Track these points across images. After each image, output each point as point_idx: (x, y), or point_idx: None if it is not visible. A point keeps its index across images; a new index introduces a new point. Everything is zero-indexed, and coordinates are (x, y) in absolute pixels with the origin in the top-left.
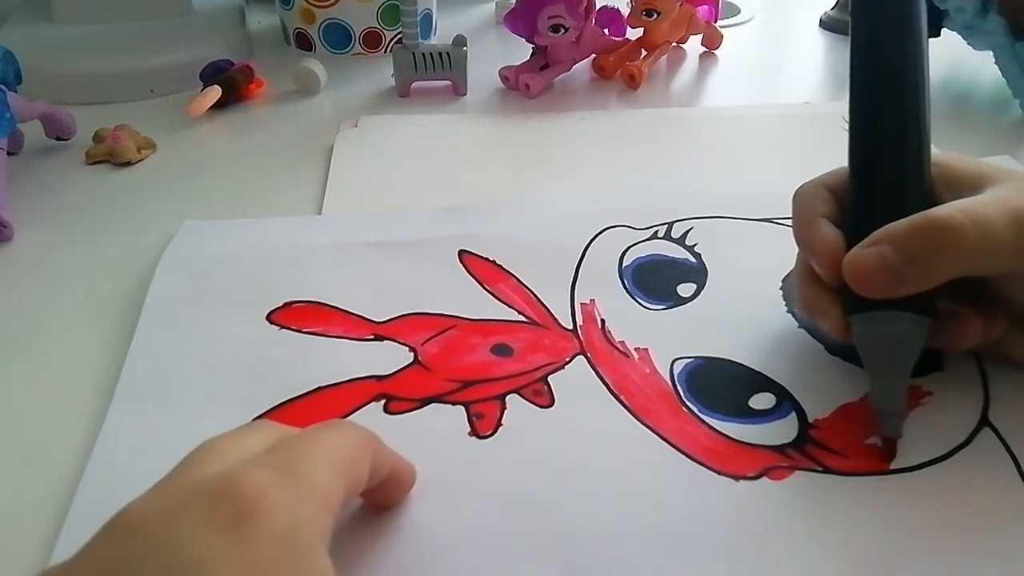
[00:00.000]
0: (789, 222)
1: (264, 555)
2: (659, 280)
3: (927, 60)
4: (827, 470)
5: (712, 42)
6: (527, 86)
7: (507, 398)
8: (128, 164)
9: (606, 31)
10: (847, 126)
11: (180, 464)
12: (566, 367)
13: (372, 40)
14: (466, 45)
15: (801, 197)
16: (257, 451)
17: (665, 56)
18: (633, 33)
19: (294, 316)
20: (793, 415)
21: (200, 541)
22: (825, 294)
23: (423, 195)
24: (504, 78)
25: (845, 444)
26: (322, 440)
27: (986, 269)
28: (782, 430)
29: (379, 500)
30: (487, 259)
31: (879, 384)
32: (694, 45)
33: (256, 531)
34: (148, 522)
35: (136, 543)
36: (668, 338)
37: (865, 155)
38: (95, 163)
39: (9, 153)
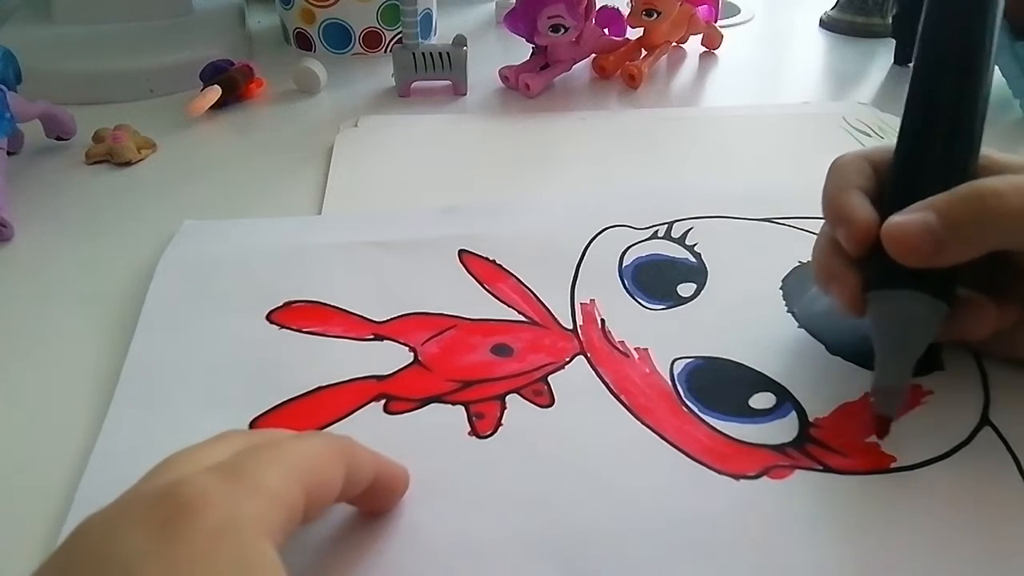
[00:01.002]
0: (789, 222)
1: (194, 547)
2: (659, 280)
3: (995, 45)
4: (827, 469)
5: (712, 42)
6: (527, 86)
7: (507, 398)
8: (128, 164)
9: (606, 31)
10: (847, 126)
11: (144, 476)
12: (566, 367)
13: (372, 40)
14: (466, 45)
15: (839, 167)
16: (219, 460)
17: (665, 56)
18: (633, 33)
19: (294, 316)
20: (793, 414)
21: (129, 541)
22: (846, 264)
23: (423, 195)
24: (504, 78)
25: (845, 443)
26: (283, 446)
27: None
28: (782, 429)
29: (369, 506)
30: (487, 259)
31: (886, 362)
32: (694, 45)
33: (187, 526)
34: (91, 530)
35: (78, 551)
36: (668, 338)
37: (916, 132)
38: (95, 163)
39: (9, 153)
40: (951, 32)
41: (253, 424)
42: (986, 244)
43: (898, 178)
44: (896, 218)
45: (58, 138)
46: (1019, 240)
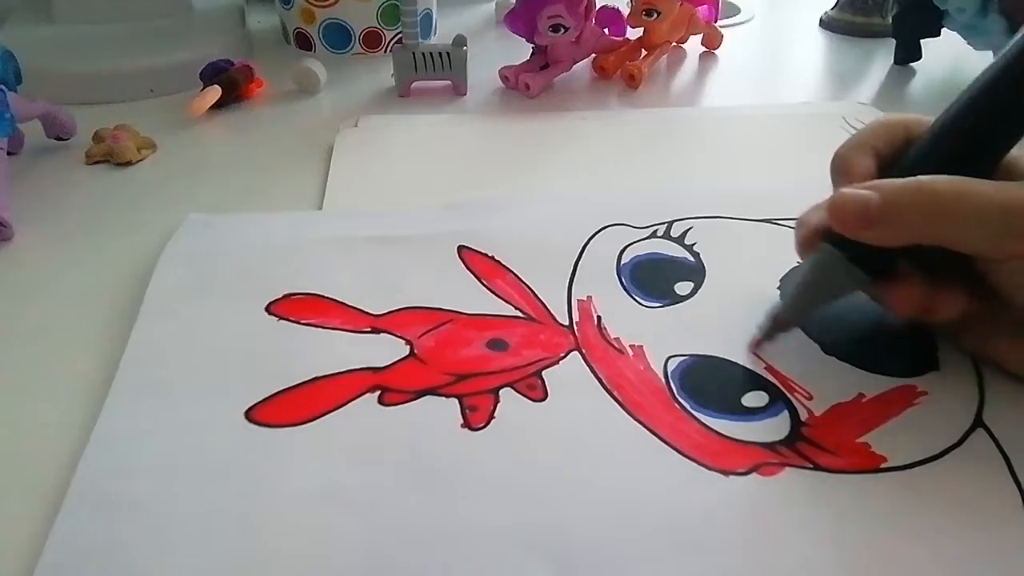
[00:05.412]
0: (788, 223)
1: None
2: (657, 278)
3: None
4: (818, 467)
5: (712, 42)
6: (527, 86)
7: (500, 391)
8: (128, 164)
9: (606, 31)
10: (847, 126)
11: None
12: (560, 362)
13: (372, 40)
14: (466, 45)
15: (874, 124)
16: None
17: (665, 56)
18: (633, 33)
19: (293, 308)
20: (785, 413)
21: None
22: (819, 214)
23: (423, 195)
24: (504, 78)
25: (837, 442)
26: None
27: (961, 244)
28: (774, 428)
29: None
30: (486, 255)
31: (791, 298)
32: (694, 45)
33: None
34: None
35: None
36: (663, 336)
37: (955, 124)
38: (95, 163)
39: (9, 153)
40: None
41: (249, 412)
42: (914, 235)
43: (912, 152)
44: (846, 188)
45: (58, 138)
46: (951, 239)
